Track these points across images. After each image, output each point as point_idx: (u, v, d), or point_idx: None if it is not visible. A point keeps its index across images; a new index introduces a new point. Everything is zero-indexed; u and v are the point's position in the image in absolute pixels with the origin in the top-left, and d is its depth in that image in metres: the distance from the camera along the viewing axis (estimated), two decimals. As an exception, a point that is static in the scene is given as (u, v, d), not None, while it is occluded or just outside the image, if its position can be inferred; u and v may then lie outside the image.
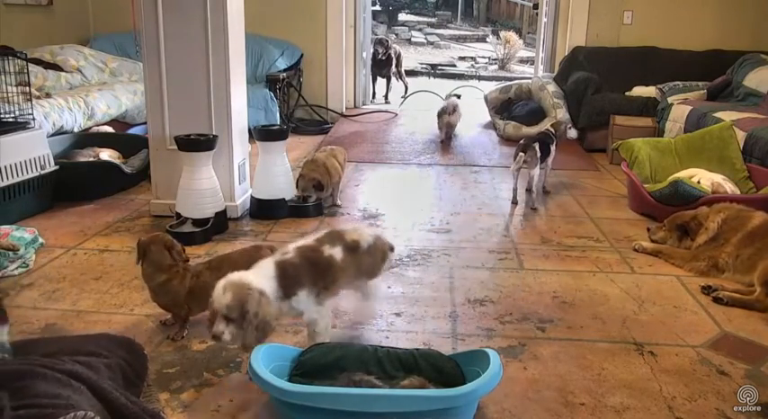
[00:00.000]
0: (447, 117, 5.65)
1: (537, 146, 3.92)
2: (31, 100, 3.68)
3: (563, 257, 3.10)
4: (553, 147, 4.23)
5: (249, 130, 3.75)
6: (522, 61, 12.77)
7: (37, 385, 1.54)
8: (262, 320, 1.81)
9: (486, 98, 6.64)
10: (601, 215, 3.79)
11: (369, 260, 2.17)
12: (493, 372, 1.73)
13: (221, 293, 1.81)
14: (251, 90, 4.78)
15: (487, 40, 14.52)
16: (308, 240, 2.12)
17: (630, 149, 4.16)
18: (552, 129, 4.37)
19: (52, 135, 4.05)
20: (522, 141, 4.05)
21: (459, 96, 6.18)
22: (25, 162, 3.43)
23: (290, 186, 3.70)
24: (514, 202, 3.98)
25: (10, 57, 3.64)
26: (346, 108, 6.86)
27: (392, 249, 2.29)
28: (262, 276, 1.90)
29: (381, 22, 15.65)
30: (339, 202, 3.86)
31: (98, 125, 4.67)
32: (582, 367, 2.12)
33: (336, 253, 2.07)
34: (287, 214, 3.62)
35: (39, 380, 1.56)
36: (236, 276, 1.86)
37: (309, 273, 1.99)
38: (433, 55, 13.91)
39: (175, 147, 3.29)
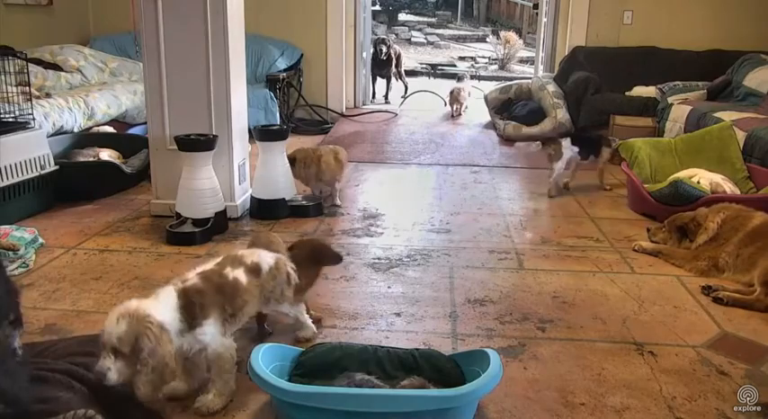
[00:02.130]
0: (455, 94, 6.98)
1: (565, 142, 4.11)
2: (31, 100, 3.68)
3: (563, 257, 3.10)
4: (605, 153, 4.29)
5: (249, 130, 3.75)
6: (522, 61, 12.77)
7: (39, 388, 1.54)
8: (159, 362, 1.57)
9: (486, 98, 6.65)
10: (601, 215, 3.79)
11: (272, 283, 2.02)
12: (493, 372, 1.73)
13: (114, 322, 1.56)
14: (251, 90, 4.78)
15: (487, 40, 14.50)
16: (208, 265, 1.94)
17: (630, 149, 4.16)
18: (609, 150, 4.34)
19: (52, 135, 4.05)
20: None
21: (461, 79, 7.30)
22: (25, 162, 3.43)
23: (290, 186, 3.70)
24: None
25: (10, 57, 3.64)
26: (346, 108, 6.87)
27: (294, 271, 2.13)
28: (163, 306, 1.68)
29: (381, 22, 15.64)
30: (339, 202, 3.86)
31: (98, 125, 4.67)
32: (582, 367, 2.12)
33: (240, 275, 1.92)
34: (287, 214, 3.62)
35: (40, 384, 1.56)
36: (133, 304, 1.63)
37: (216, 300, 1.82)
38: (433, 55, 13.91)
39: (175, 147, 3.28)
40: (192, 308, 1.74)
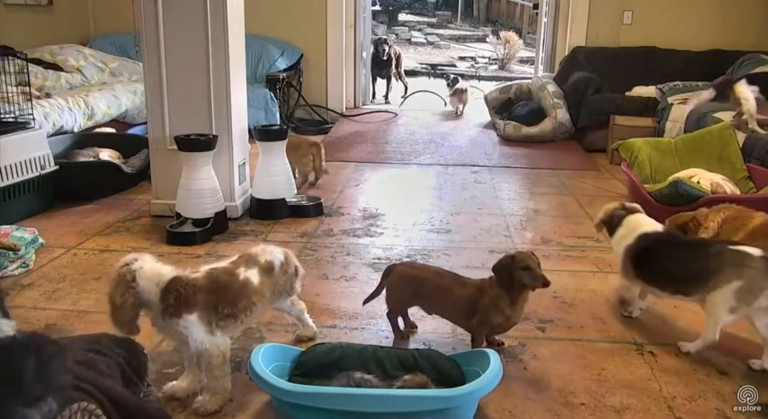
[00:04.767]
0: (459, 95, 7.10)
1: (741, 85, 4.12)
2: (31, 100, 3.68)
3: (563, 257, 3.10)
4: None
5: (249, 130, 3.75)
6: (522, 61, 12.76)
7: None
8: (113, 299, 1.74)
9: (486, 98, 6.65)
10: (601, 215, 3.79)
11: (283, 278, 2.05)
12: (493, 372, 1.73)
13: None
14: (251, 90, 4.78)
15: (487, 40, 14.50)
16: (223, 262, 1.99)
17: (630, 149, 4.16)
18: None
19: (52, 135, 4.05)
20: None
21: (457, 80, 7.33)
22: (25, 162, 3.43)
23: (290, 186, 3.70)
24: None
25: (10, 57, 3.64)
26: (346, 108, 6.87)
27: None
28: (153, 277, 1.78)
29: (381, 22, 15.62)
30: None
31: (99, 126, 4.67)
32: (582, 367, 2.12)
33: (253, 276, 1.94)
34: (287, 214, 3.62)
35: None
36: (134, 255, 1.80)
37: (209, 299, 1.82)
38: (433, 55, 13.90)
39: (175, 147, 3.29)
40: (171, 296, 1.77)
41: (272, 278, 2.01)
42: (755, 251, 2.10)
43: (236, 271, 1.93)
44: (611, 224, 2.51)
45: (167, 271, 1.82)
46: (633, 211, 2.50)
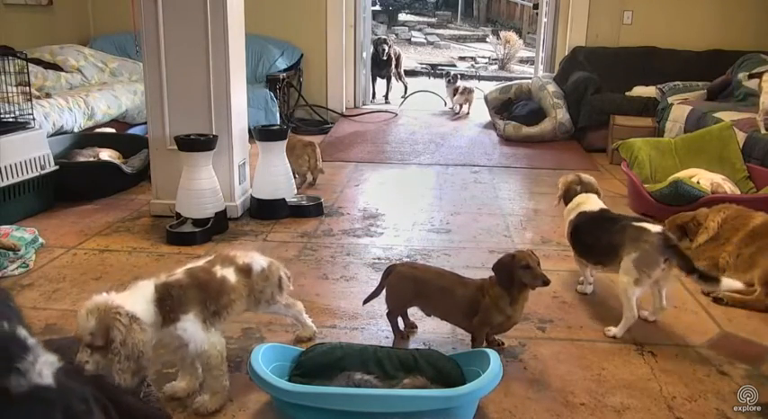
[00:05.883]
0: (466, 94, 7.05)
1: None
2: (31, 100, 3.69)
3: (563, 257, 3.10)
4: None
5: (249, 130, 3.75)
6: (522, 61, 12.77)
7: None
8: (131, 350, 1.61)
9: (486, 98, 6.64)
10: (601, 215, 3.78)
11: (262, 284, 2.03)
12: (493, 372, 1.73)
13: (84, 318, 1.60)
14: (251, 90, 4.78)
15: (487, 40, 14.51)
16: (198, 262, 1.97)
17: (630, 149, 4.16)
18: None
19: (52, 135, 4.05)
20: None
21: (456, 77, 7.25)
22: (25, 162, 3.43)
23: (290, 186, 3.70)
24: None
25: (10, 57, 3.64)
26: (346, 108, 6.87)
27: (288, 277, 2.14)
28: (137, 299, 1.71)
29: (381, 22, 15.62)
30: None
31: (99, 125, 4.67)
32: (582, 367, 2.12)
33: (229, 274, 1.94)
34: (287, 214, 3.62)
35: None
36: (101, 298, 1.64)
37: (198, 296, 1.82)
38: (433, 55, 13.90)
39: (175, 147, 3.29)
40: (168, 302, 1.74)
41: (249, 279, 2.00)
42: (654, 227, 2.32)
43: (213, 269, 1.93)
44: (567, 197, 2.77)
45: (143, 284, 1.77)
46: (586, 187, 2.75)
